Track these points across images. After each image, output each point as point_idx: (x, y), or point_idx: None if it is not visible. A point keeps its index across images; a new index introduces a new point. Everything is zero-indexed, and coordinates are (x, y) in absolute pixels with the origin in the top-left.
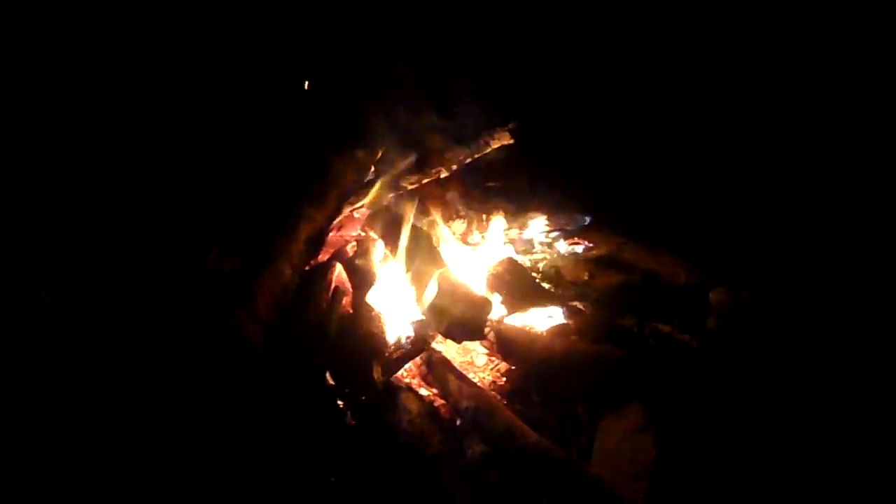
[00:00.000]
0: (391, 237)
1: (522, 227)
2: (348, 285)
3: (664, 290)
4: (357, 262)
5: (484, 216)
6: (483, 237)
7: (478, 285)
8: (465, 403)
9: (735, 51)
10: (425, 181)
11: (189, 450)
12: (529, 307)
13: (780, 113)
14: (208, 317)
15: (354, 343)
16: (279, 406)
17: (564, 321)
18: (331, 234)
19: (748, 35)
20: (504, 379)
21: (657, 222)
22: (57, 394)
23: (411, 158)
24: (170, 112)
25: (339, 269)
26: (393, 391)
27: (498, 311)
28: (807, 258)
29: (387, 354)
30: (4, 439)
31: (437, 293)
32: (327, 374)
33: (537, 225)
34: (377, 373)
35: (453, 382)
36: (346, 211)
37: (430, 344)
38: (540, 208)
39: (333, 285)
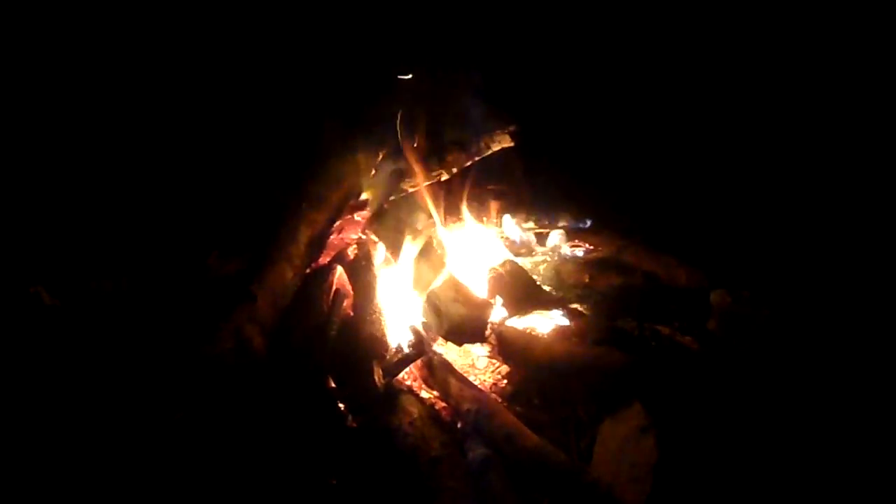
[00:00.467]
0: (392, 240)
1: (523, 229)
2: (349, 288)
3: (665, 292)
4: (358, 264)
5: (485, 218)
6: (484, 240)
7: (478, 288)
8: (466, 406)
9: (735, 52)
10: (426, 184)
11: (190, 452)
12: (530, 310)
13: (781, 114)
14: (209, 319)
15: (355, 346)
16: (280, 409)
17: (565, 323)
18: (331, 237)
19: (748, 36)
20: (505, 381)
21: (658, 224)
22: (59, 396)
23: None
24: (172, 115)
25: (339, 272)
26: (394, 394)
27: (499, 313)
28: (807, 259)
29: (388, 357)
30: (6, 441)
31: (438, 296)
32: (328, 377)
33: (538, 227)
34: (378, 375)
35: (454, 385)
36: (347, 214)
37: (430, 346)
38: (540, 211)
39: (334, 288)
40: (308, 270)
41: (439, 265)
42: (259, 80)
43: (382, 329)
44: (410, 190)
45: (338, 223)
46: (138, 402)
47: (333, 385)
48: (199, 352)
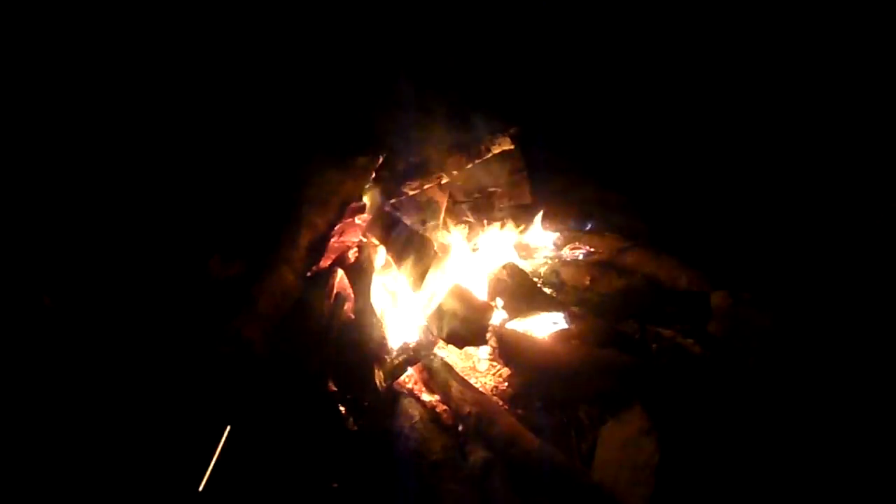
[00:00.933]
0: (392, 243)
1: (524, 232)
2: (350, 291)
3: (666, 295)
4: (359, 267)
5: (485, 221)
6: (484, 242)
7: (480, 290)
8: (467, 409)
9: (735, 55)
10: (426, 187)
11: (192, 453)
12: (531, 312)
13: (781, 117)
14: (211, 322)
15: (356, 349)
16: (281, 411)
17: (566, 326)
18: (332, 241)
19: (749, 40)
20: (506, 384)
21: (659, 227)
22: (61, 397)
23: (412, 164)
24: (173, 119)
25: (340, 275)
26: (395, 397)
27: (500, 316)
28: (808, 261)
29: (389, 360)
30: (8, 443)
31: (439, 299)
32: (329, 380)
33: (539, 230)
34: (379, 378)
35: (455, 388)
36: (348, 217)
37: (431, 349)
38: (541, 213)
39: (335, 291)
40: (309, 274)
41: (440, 268)
42: (260, 84)
43: (383, 332)
44: (411, 193)
45: (338, 226)
46: (141, 404)
47: (334, 388)
48: (201, 354)
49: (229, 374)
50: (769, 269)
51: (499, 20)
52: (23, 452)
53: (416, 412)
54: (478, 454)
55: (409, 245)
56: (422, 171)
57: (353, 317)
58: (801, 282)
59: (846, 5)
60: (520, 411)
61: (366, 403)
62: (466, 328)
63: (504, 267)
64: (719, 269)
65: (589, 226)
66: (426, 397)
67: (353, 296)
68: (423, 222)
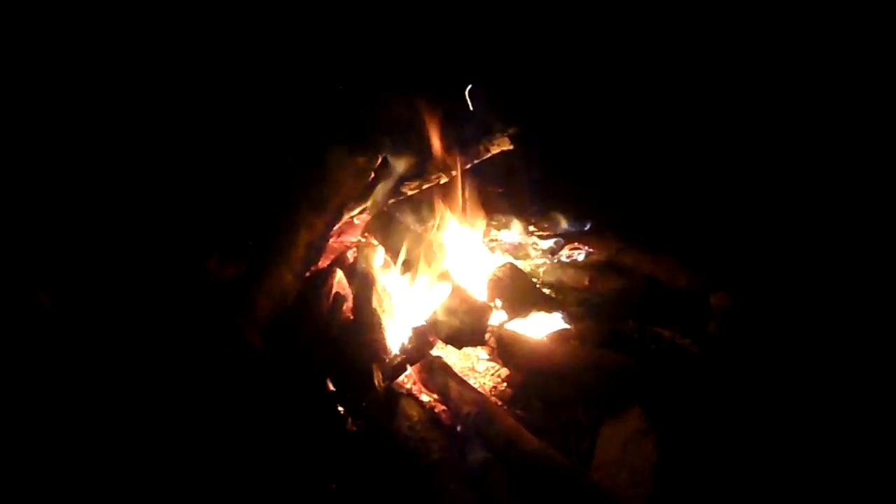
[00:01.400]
0: (391, 243)
1: (522, 232)
2: (348, 291)
3: (665, 295)
4: (357, 268)
5: (484, 222)
6: (483, 242)
7: (478, 291)
8: (465, 409)
9: (733, 54)
10: (425, 187)
11: (190, 456)
12: (530, 313)
13: (781, 115)
14: (209, 323)
15: (355, 349)
16: (280, 412)
17: (565, 326)
18: (331, 241)
19: (747, 38)
20: (505, 384)
21: (658, 227)
22: (59, 400)
23: (411, 164)
24: (170, 118)
25: (339, 276)
26: (393, 397)
27: (498, 316)
28: (808, 262)
29: (387, 360)
30: (6, 445)
31: (438, 299)
32: (328, 381)
33: (537, 230)
34: (378, 379)
35: (454, 388)
36: (347, 217)
37: (430, 350)
38: (540, 213)
39: (334, 291)
40: (307, 274)
41: (438, 268)
42: (258, 83)
43: (382, 332)
44: (410, 193)
45: (337, 226)
46: (139, 407)
47: (333, 388)
48: (198, 355)
49: (228, 374)
50: (769, 270)
51: (498, 19)
52: (22, 453)
53: (414, 412)
54: (476, 454)
55: (408, 245)
56: (421, 171)
57: (351, 317)
58: (801, 282)
59: (846, 5)
60: (519, 412)
61: (364, 404)
62: (465, 328)
63: (502, 267)
64: (718, 269)
65: (588, 226)
66: (425, 397)
67: (351, 296)
68: (422, 223)
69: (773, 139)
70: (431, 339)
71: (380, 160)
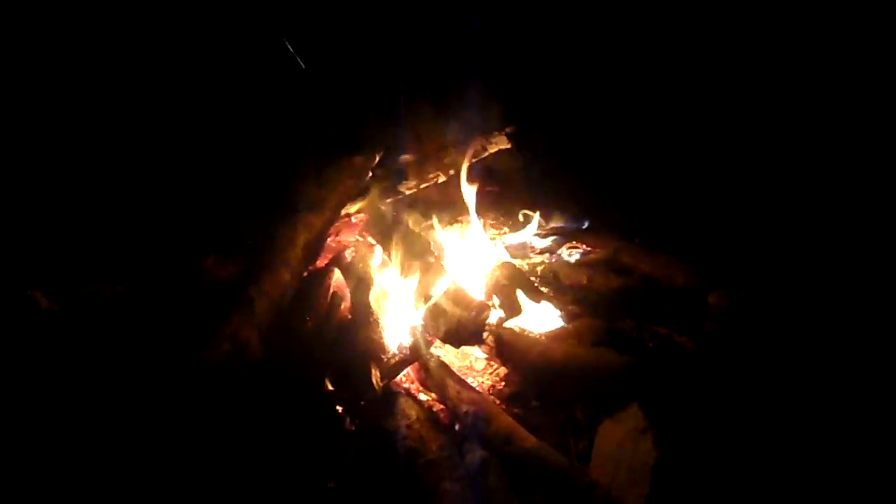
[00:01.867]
0: (389, 242)
1: (520, 231)
2: (346, 291)
3: (663, 294)
4: (355, 267)
5: (482, 220)
6: (481, 242)
7: (476, 290)
8: (464, 408)
9: (732, 51)
10: (423, 186)
11: (187, 456)
12: (528, 311)
13: (779, 113)
14: (206, 323)
15: (352, 348)
16: (278, 411)
17: (563, 325)
18: (329, 240)
19: (746, 35)
20: (503, 383)
21: (656, 225)
22: (55, 399)
23: (409, 163)
24: (168, 118)
25: (337, 275)
26: (391, 396)
27: (496, 315)
28: (806, 260)
29: (385, 359)
30: (3, 447)
31: (436, 298)
32: (325, 380)
33: (535, 229)
34: (376, 378)
35: (452, 387)
36: (344, 216)
37: (428, 349)
38: (537, 212)
39: (331, 291)
40: (305, 273)
41: (436, 267)
42: (256, 83)
43: (380, 331)
44: (407, 192)
45: (334, 226)
46: (135, 407)
47: (331, 388)
48: (196, 355)
49: (225, 374)
50: (767, 268)
51: (496, 18)
52: (20, 453)
53: (412, 411)
54: (475, 453)
55: (406, 244)
56: (419, 170)
57: (349, 316)
58: (799, 280)
59: (846, 5)
60: (517, 410)
61: (362, 403)
62: (463, 327)
63: (500, 266)
64: (716, 267)
65: (586, 224)
66: (423, 396)
67: (349, 295)
68: (420, 221)
69: (770, 138)
70: (429, 338)
71: (377, 159)
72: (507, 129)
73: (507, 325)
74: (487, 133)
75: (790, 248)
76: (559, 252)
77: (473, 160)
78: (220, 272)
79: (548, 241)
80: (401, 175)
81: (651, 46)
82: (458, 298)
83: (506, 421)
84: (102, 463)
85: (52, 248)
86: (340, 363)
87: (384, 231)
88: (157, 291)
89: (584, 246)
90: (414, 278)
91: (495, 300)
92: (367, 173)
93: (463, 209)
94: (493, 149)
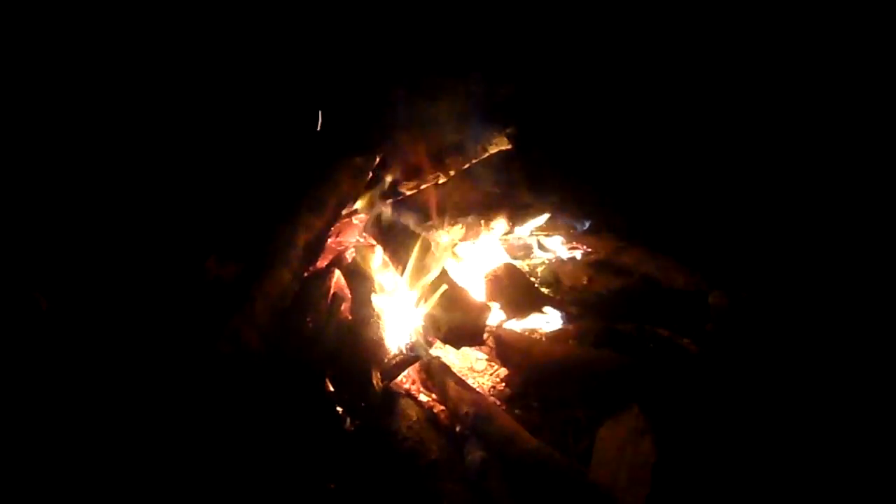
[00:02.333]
0: (389, 243)
1: (521, 231)
2: (347, 292)
3: (663, 294)
4: (356, 268)
5: (482, 221)
6: (481, 242)
7: (476, 291)
8: (464, 409)
9: (732, 52)
10: (423, 187)
11: (188, 456)
12: (528, 312)
13: (777, 114)
14: (207, 323)
15: (353, 349)
16: (278, 412)
17: (563, 326)
18: (329, 241)
19: (747, 37)
20: (503, 384)
21: (656, 226)
22: (57, 401)
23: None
24: (168, 119)
25: (337, 276)
26: (392, 397)
27: (497, 316)
28: (806, 260)
29: (386, 360)
30: (4, 449)
31: (436, 299)
32: (326, 381)
33: (535, 230)
34: (376, 379)
35: (452, 388)
36: (345, 217)
37: (428, 350)
38: (538, 213)
39: (332, 292)
40: (306, 274)
41: (437, 268)
42: (256, 84)
43: (380, 332)
44: (408, 193)
45: (335, 227)
46: (137, 407)
47: (332, 389)
48: (197, 356)
49: (226, 375)
50: (767, 268)
51: (496, 19)
52: (22, 456)
53: (413, 412)
54: (475, 454)
55: (406, 245)
56: (418, 171)
57: (350, 317)
58: (799, 280)
59: (846, 5)
60: (517, 411)
61: (363, 404)
62: (463, 328)
63: (501, 267)
64: (716, 268)
65: (586, 225)
66: (424, 398)
67: (350, 296)
68: (420, 222)
69: (769, 138)
70: (430, 340)
71: (377, 160)
72: (508, 130)
73: (507, 326)
74: (488, 134)
75: (790, 248)
76: (559, 253)
77: (474, 161)
78: (221, 273)
79: (548, 242)
80: (401, 176)
81: (651, 47)
82: (458, 299)
83: (506, 422)
84: (104, 464)
85: (52, 249)
86: (341, 364)
87: (384, 232)
88: (157, 292)
89: (585, 247)
90: (414, 279)
91: (496, 301)
92: (368, 174)
93: (463, 210)
94: (493, 149)
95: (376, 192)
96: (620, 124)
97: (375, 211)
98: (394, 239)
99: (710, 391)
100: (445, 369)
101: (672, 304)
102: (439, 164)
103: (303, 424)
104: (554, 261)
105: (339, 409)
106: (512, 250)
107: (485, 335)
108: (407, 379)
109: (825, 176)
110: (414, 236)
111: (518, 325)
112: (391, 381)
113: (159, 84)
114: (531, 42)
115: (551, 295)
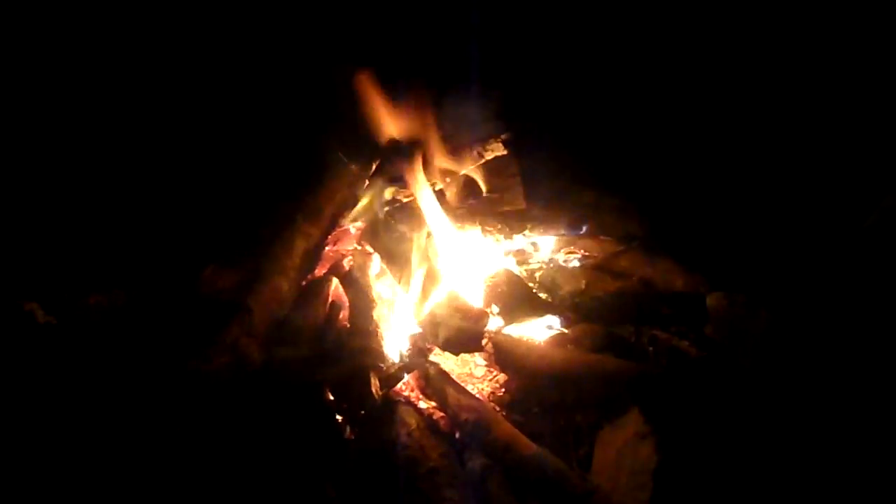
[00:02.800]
0: (387, 251)
1: (518, 237)
2: (345, 299)
3: (661, 298)
4: (353, 276)
5: (480, 227)
6: (479, 248)
7: (475, 297)
8: (464, 415)
9: (731, 53)
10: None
11: (187, 466)
12: (527, 318)
13: (776, 115)
14: (205, 333)
15: (352, 357)
16: (277, 421)
17: (562, 331)
18: (327, 249)
19: (745, 37)
20: (503, 390)
21: (654, 229)
22: (55, 413)
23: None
24: (166, 127)
25: (335, 284)
26: (391, 405)
27: (495, 322)
28: (804, 262)
29: (385, 368)
30: (4, 459)
31: (434, 305)
32: (325, 389)
33: (533, 235)
34: (375, 386)
35: (452, 395)
36: (342, 225)
37: (427, 357)
38: (536, 218)
39: (330, 300)
40: (304, 282)
41: (435, 275)
42: (253, 91)
43: (379, 340)
44: (405, 200)
45: (332, 235)
46: (134, 418)
47: (330, 397)
48: (195, 366)
49: (224, 384)
50: (765, 271)
51: (493, 22)
52: (21, 466)
53: (412, 420)
54: (475, 460)
55: (404, 253)
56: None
57: (348, 325)
58: (797, 283)
59: (846, 5)
60: (517, 417)
61: (362, 411)
62: (462, 335)
63: (499, 273)
64: (715, 271)
65: (584, 229)
66: (423, 405)
67: (348, 304)
68: (418, 230)
69: (768, 139)
70: (428, 346)
71: (374, 168)
72: (504, 136)
73: (506, 331)
74: (484, 139)
75: (788, 250)
76: (557, 257)
77: (470, 166)
78: (219, 282)
79: (546, 246)
80: (398, 182)
81: (650, 49)
82: (456, 306)
83: (506, 428)
84: (103, 475)
85: (48, 260)
86: (340, 372)
87: (382, 239)
88: (155, 302)
89: (583, 251)
90: (412, 286)
91: (494, 307)
92: (364, 182)
93: (460, 216)
94: (489, 155)
95: (373, 199)
96: (618, 126)
97: (372, 218)
98: (391, 246)
99: (709, 394)
100: (444, 376)
101: (671, 308)
102: (436, 170)
103: (302, 433)
104: (552, 265)
105: (338, 417)
106: (510, 255)
107: (483, 341)
108: (406, 386)
109: (823, 177)
110: (412, 243)
111: (517, 331)
112: (390, 388)
113: (155, 91)
114: (527, 45)
115: (549, 300)
